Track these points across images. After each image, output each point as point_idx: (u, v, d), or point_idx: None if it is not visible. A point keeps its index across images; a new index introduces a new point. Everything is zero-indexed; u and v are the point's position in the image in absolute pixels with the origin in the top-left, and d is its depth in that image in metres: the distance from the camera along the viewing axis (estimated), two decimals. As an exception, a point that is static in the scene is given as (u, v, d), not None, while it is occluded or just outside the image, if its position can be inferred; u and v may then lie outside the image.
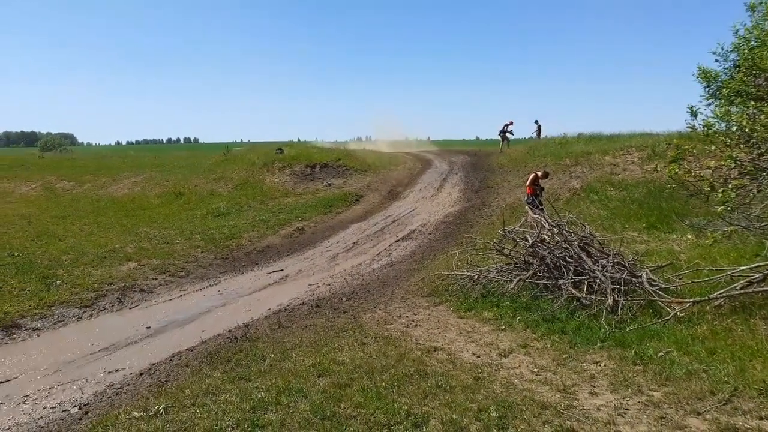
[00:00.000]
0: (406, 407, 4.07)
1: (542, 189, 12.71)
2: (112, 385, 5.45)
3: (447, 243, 11.71)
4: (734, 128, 6.79)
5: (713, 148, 7.03)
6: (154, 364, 5.94)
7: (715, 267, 6.52)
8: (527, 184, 12.60)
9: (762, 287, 5.64)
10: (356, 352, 5.34)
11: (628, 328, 5.56)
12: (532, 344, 5.54)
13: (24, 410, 5.02)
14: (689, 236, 8.83)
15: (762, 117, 6.41)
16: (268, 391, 4.44)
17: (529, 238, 7.55)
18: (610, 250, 7.26)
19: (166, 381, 5.21)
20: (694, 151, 7.22)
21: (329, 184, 19.91)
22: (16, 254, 10.74)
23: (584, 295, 6.38)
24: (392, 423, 3.87)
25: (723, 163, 6.68)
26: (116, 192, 21.64)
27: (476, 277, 7.61)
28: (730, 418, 3.77)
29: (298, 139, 46.75)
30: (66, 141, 67.82)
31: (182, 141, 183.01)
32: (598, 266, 6.73)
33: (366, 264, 10.64)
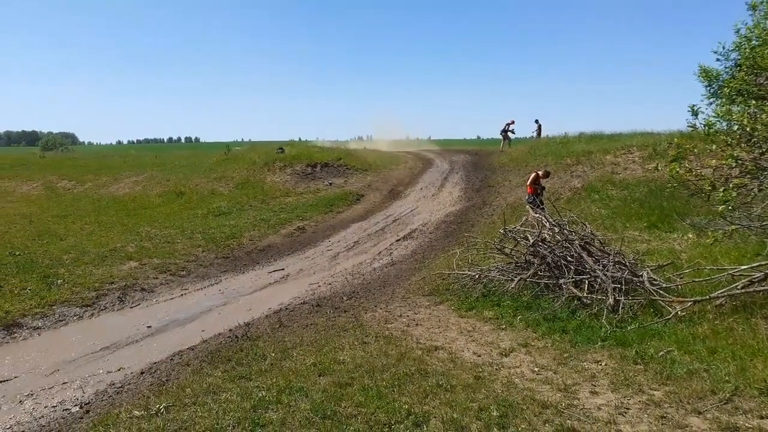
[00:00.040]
0: (406, 406, 4.07)
1: (543, 188, 12.72)
2: (113, 384, 5.46)
3: (448, 242, 11.70)
4: (735, 127, 6.78)
5: (714, 147, 7.03)
6: (155, 363, 5.94)
7: (716, 266, 6.52)
8: (528, 183, 12.61)
9: (763, 286, 5.63)
10: (357, 351, 5.34)
11: (629, 328, 5.55)
12: (532, 343, 5.54)
13: (25, 409, 5.02)
14: (690, 235, 8.82)
15: (763, 116, 6.41)
16: (269, 390, 4.44)
17: (530, 238, 7.54)
18: (611, 250, 7.26)
19: (167, 380, 5.22)
20: (695, 151, 7.22)
21: (330, 184, 19.91)
22: (17, 253, 10.75)
23: (585, 295, 6.37)
24: (393, 422, 3.87)
25: (724, 162, 6.68)
26: (117, 191, 21.65)
27: (477, 276, 7.61)
28: (731, 418, 3.77)
29: (299, 139, 46.80)
30: (67, 140, 67.79)
31: (183, 140, 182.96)
32: (599, 265, 6.73)
33: (367, 263, 10.64)
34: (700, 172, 7.01)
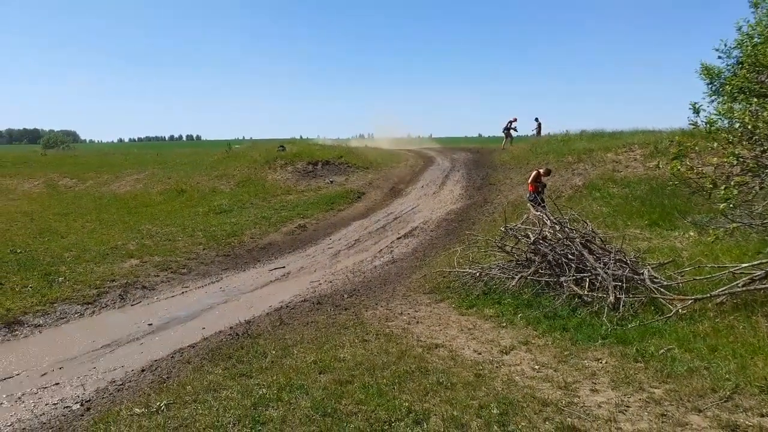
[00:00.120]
0: (407, 404, 4.08)
1: (544, 186, 12.70)
2: (114, 381, 5.47)
3: (449, 240, 11.70)
4: (737, 125, 6.77)
5: (716, 145, 7.02)
6: (155, 360, 5.95)
7: (717, 264, 6.52)
8: (529, 181, 12.60)
9: (764, 284, 5.62)
10: (357, 349, 5.34)
11: (629, 326, 5.55)
12: (533, 341, 5.53)
13: (26, 406, 5.04)
14: (691, 233, 8.82)
15: (765, 114, 6.39)
16: (270, 388, 4.45)
17: (531, 236, 7.54)
18: (612, 248, 7.25)
19: (167, 377, 5.23)
20: (697, 148, 7.21)
21: (331, 182, 19.90)
22: (18, 251, 10.77)
23: (586, 293, 6.37)
24: (393, 420, 3.87)
25: (725, 160, 6.67)
26: (118, 189, 21.66)
27: (478, 274, 7.61)
28: (731, 416, 3.77)
29: (300, 137, 46.75)
30: (69, 138, 67.79)
31: (184, 138, 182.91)
32: (599, 263, 6.72)
33: (368, 261, 10.64)
34: (702, 169, 7.00)
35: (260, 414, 4.02)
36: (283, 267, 10.49)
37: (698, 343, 4.98)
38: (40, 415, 4.80)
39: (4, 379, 5.67)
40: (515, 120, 26.30)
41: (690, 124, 7.20)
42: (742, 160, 6.63)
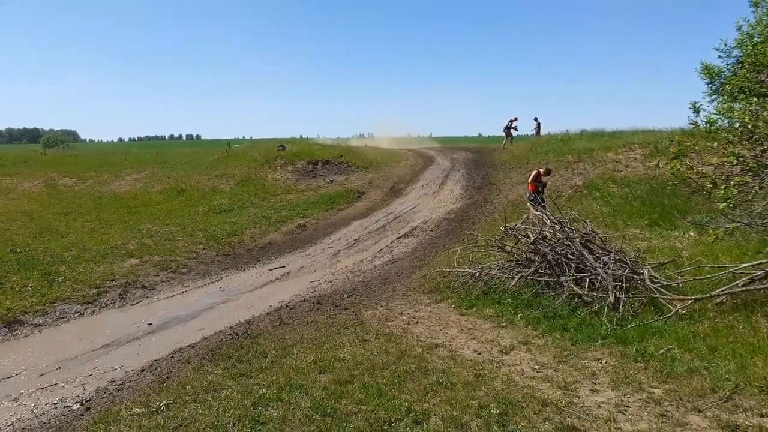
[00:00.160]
0: (406, 404, 4.08)
1: (544, 186, 12.70)
2: (114, 381, 5.47)
3: (449, 240, 11.70)
4: (737, 125, 6.76)
5: (716, 144, 7.01)
6: (155, 360, 5.95)
7: (717, 264, 6.51)
8: (529, 180, 12.59)
9: (764, 284, 5.62)
10: (357, 349, 5.35)
11: (629, 325, 5.55)
12: (533, 341, 5.53)
13: (26, 406, 5.04)
14: (691, 233, 8.81)
15: (765, 113, 6.38)
16: (269, 388, 4.45)
17: (531, 235, 7.54)
18: (612, 247, 7.25)
19: (167, 377, 5.23)
20: (697, 148, 7.21)
21: (331, 181, 19.90)
22: (18, 251, 10.77)
23: (586, 292, 6.37)
24: (393, 420, 3.87)
25: (725, 159, 6.66)
26: (118, 189, 21.66)
27: (478, 274, 7.61)
28: (731, 416, 3.77)
29: (300, 136, 46.73)
30: (68, 138, 67.59)
31: (184, 138, 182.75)
32: (599, 263, 6.72)
33: (367, 261, 10.64)
34: (702, 169, 6.99)
35: (260, 414, 4.02)
36: (283, 267, 10.49)
37: (698, 343, 4.98)
38: (40, 415, 4.81)
39: (4, 378, 5.67)
40: (516, 119, 26.26)
41: (690, 123, 7.19)
42: (742, 159, 6.63)
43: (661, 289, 6.16)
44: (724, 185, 6.50)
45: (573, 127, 26.56)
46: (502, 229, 8.26)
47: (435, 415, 3.93)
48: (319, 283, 9.14)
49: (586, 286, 6.51)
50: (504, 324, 6.15)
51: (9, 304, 7.63)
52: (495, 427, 3.76)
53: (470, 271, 7.78)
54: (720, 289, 5.73)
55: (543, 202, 12.00)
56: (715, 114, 7.18)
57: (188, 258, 10.86)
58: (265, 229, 13.65)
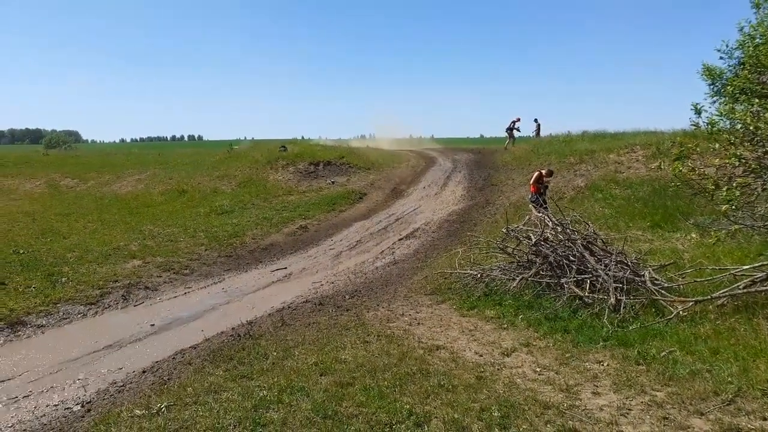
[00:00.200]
0: (408, 406, 4.07)
1: (546, 187, 12.68)
2: (115, 382, 5.47)
3: (450, 241, 11.69)
4: (738, 126, 6.76)
5: (717, 146, 7.00)
6: (157, 361, 5.96)
7: (718, 266, 6.49)
8: (531, 182, 12.57)
9: (765, 286, 5.60)
10: (359, 351, 5.34)
11: (630, 328, 5.54)
12: (534, 343, 5.53)
13: (27, 407, 5.04)
14: (693, 235, 8.79)
15: (766, 114, 6.38)
16: (270, 390, 4.45)
17: (533, 237, 7.53)
18: (613, 249, 7.24)
19: (168, 379, 5.23)
20: (698, 149, 7.20)
21: (333, 182, 19.91)
22: (21, 251, 10.79)
23: (587, 294, 6.36)
24: (394, 422, 3.87)
25: (727, 161, 6.66)
26: (120, 189, 21.70)
27: (479, 275, 7.60)
28: (734, 419, 3.76)
29: (302, 137, 46.65)
30: (71, 138, 67.75)
31: (186, 138, 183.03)
32: (601, 265, 6.71)
33: (369, 262, 10.64)
34: (704, 171, 6.99)
35: (261, 416, 4.02)
36: (285, 268, 10.49)
37: (700, 345, 4.96)
38: (41, 416, 4.81)
39: (6, 379, 5.67)
40: (518, 120, 26.24)
41: (692, 125, 7.20)
42: (744, 161, 6.62)
43: (662, 291, 6.15)
44: (726, 187, 6.50)
45: (574, 128, 26.53)
46: (504, 230, 8.26)
47: (436, 417, 3.93)
48: (321, 284, 9.15)
49: (588, 287, 6.50)
50: (505, 326, 6.15)
51: (12, 305, 7.64)
52: (496, 430, 3.76)
53: (472, 272, 7.78)
54: (721, 291, 5.71)
55: (545, 203, 11.98)
56: (717, 115, 7.18)
57: (190, 259, 10.87)
58: (266, 230, 13.66)
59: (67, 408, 4.95)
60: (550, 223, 7.75)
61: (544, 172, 12.65)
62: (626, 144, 16.79)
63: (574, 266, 6.83)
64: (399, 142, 36.47)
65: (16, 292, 8.25)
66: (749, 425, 3.66)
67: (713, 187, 6.65)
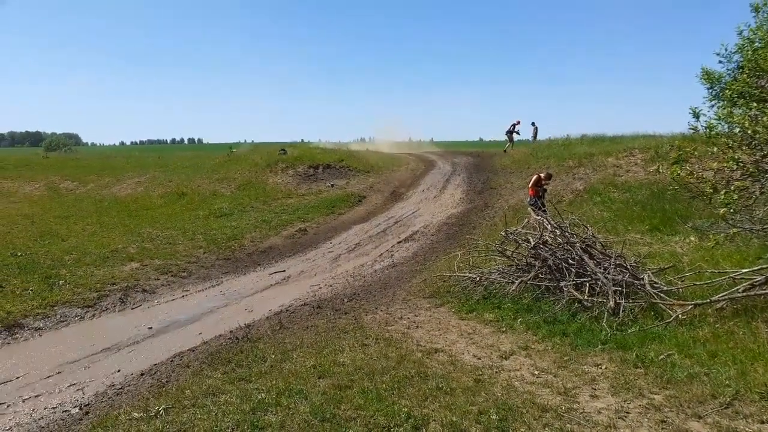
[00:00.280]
0: (406, 409, 4.07)
1: (545, 190, 12.69)
2: (113, 385, 5.46)
3: (449, 244, 11.70)
4: (737, 130, 6.77)
5: (715, 149, 7.01)
6: (155, 364, 5.95)
7: (717, 269, 6.50)
8: (530, 185, 12.58)
9: (764, 290, 5.61)
10: (357, 354, 5.34)
11: (629, 331, 5.54)
12: (533, 346, 5.53)
13: (25, 410, 5.03)
14: (692, 238, 8.80)
15: (764, 119, 6.39)
16: (269, 393, 4.44)
17: (532, 240, 7.53)
18: (612, 252, 7.24)
19: (166, 381, 5.22)
20: (697, 153, 7.21)
21: (332, 185, 19.92)
22: (19, 254, 10.78)
23: (586, 297, 6.36)
24: (392, 425, 3.86)
25: (725, 164, 6.67)
26: (119, 192, 21.70)
27: (478, 278, 7.60)
28: (732, 422, 3.76)
29: (301, 140, 46.81)
30: (70, 141, 67.71)
31: (186, 141, 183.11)
32: (599, 268, 6.72)
33: (368, 265, 10.64)
34: (702, 174, 6.99)
35: (259, 419, 4.01)
36: (284, 271, 10.49)
37: (698, 348, 4.97)
38: (39, 419, 4.80)
39: (3, 382, 5.66)
40: (518, 123, 26.24)
41: (690, 128, 7.20)
42: (742, 164, 6.63)
43: (661, 295, 6.14)
44: (724, 190, 6.51)
45: (573, 130, 26.63)
46: (503, 233, 8.26)
47: (434, 420, 3.92)
48: (320, 288, 9.14)
49: (586, 291, 6.50)
50: (504, 329, 6.14)
51: (9, 308, 7.62)
52: (494, 432, 3.75)
53: (470, 275, 7.77)
54: (720, 295, 5.72)
55: (544, 206, 11.99)
56: (715, 119, 7.20)
57: (189, 262, 10.86)
58: (265, 233, 13.66)
59: (65, 411, 4.94)
60: (549, 227, 7.76)
61: (542, 175, 12.66)
62: (625, 147, 16.83)
63: (573, 269, 6.83)
64: (398, 145, 36.50)
65: (14, 295, 8.23)
66: (747, 428, 3.67)
67: (711, 190, 6.65)
